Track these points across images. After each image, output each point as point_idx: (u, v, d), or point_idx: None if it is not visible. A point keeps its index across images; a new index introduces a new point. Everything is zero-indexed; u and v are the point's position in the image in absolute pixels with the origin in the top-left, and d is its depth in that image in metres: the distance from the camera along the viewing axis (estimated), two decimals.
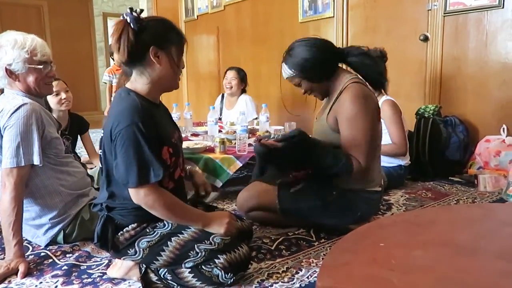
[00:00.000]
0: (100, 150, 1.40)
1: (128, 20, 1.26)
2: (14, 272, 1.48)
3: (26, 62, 1.60)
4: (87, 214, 1.73)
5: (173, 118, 2.95)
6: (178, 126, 2.85)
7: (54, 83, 2.34)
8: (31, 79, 1.63)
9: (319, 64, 1.67)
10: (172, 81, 1.39)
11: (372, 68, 1.72)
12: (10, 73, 1.60)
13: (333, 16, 3.57)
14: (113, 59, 4.55)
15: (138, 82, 1.35)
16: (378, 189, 1.77)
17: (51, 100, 2.38)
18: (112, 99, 3.30)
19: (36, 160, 1.57)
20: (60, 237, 1.72)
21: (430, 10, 2.94)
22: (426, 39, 2.98)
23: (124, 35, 1.25)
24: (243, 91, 3.53)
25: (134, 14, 1.28)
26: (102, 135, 1.39)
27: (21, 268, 1.48)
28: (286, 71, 1.71)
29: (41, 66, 1.64)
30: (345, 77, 1.69)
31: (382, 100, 2.46)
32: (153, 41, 1.30)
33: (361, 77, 1.72)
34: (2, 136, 1.57)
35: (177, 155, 1.42)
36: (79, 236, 1.74)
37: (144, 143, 1.25)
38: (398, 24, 3.16)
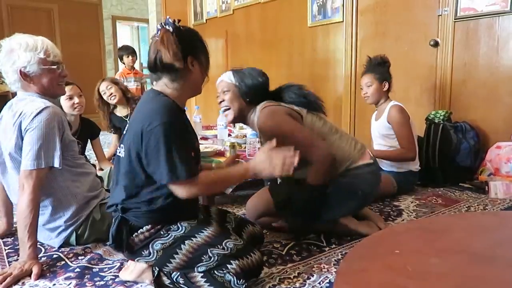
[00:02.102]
0: (120, 149, 1.41)
1: (171, 30, 1.32)
2: (28, 274, 1.50)
3: (41, 64, 1.62)
4: (98, 214, 1.75)
5: None
6: None
7: (68, 87, 2.38)
8: (45, 80, 1.65)
9: (259, 87, 1.79)
10: (200, 87, 1.47)
11: (296, 96, 1.81)
12: (24, 76, 1.62)
13: (343, 21, 3.58)
14: (123, 63, 4.57)
15: (169, 87, 1.38)
16: (368, 162, 1.77)
17: (64, 103, 2.41)
18: None
19: (57, 163, 1.59)
20: (73, 239, 1.74)
21: (441, 15, 2.93)
22: (436, 44, 2.97)
23: (171, 42, 1.31)
24: None
25: (176, 23, 1.34)
26: (125, 134, 1.40)
27: (35, 270, 1.49)
28: (229, 78, 1.80)
29: (55, 67, 1.66)
30: (261, 105, 1.78)
31: (389, 105, 2.46)
32: (190, 50, 1.37)
33: (273, 101, 1.79)
34: (22, 138, 1.58)
35: (197, 161, 1.46)
36: (90, 237, 1.75)
37: (176, 141, 1.28)
38: (408, 29, 3.15)
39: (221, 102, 1.82)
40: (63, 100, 2.39)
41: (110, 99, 2.97)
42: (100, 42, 7.91)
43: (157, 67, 1.35)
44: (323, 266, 1.56)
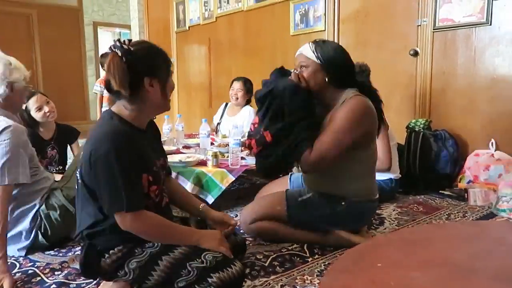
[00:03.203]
0: (78, 173, 1.35)
1: (120, 54, 1.25)
2: None
3: (24, 82, 1.72)
4: (49, 201, 1.82)
5: (165, 130, 2.96)
6: (170, 138, 2.84)
7: (34, 98, 2.40)
8: (21, 97, 1.76)
9: (345, 70, 1.69)
10: (165, 104, 1.40)
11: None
12: (11, 91, 1.67)
13: (324, 30, 3.61)
14: (104, 69, 4.51)
15: (127, 108, 1.32)
16: (377, 197, 1.84)
17: (36, 115, 2.40)
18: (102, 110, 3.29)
19: (24, 179, 1.63)
20: (41, 238, 1.79)
21: (420, 25, 2.99)
22: (416, 54, 3.03)
23: (121, 70, 1.24)
24: (248, 101, 3.54)
25: (125, 46, 1.26)
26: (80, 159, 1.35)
27: (6, 284, 1.45)
28: (310, 52, 1.67)
29: (30, 86, 1.80)
30: (349, 91, 1.69)
31: None
32: (147, 71, 1.30)
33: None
34: None
35: (158, 183, 1.40)
36: (55, 232, 1.81)
37: (121, 171, 1.22)
38: (388, 38, 3.21)
39: (306, 84, 1.70)
40: (34, 112, 2.39)
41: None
42: (81, 48, 7.78)
43: (111, 91, 1.30)
44: (306, 278, 1.55)
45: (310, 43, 1.71)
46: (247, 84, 3.46)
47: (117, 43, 1.26)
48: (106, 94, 4.43)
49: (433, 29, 2.93)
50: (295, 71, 1.72)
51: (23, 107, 2.36)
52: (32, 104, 2.39)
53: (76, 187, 1.38)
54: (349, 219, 1.78)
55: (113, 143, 1.23)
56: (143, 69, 1.29)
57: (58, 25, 7.38)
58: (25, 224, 1.77)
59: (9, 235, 1.70)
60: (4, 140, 1.58)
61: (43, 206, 1.81)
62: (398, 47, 3.14)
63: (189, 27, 5.25)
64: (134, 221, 1.26)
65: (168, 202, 1.48)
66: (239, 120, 3.27)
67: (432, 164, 2.72)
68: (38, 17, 7.17)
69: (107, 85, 1.30)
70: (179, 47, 5.51)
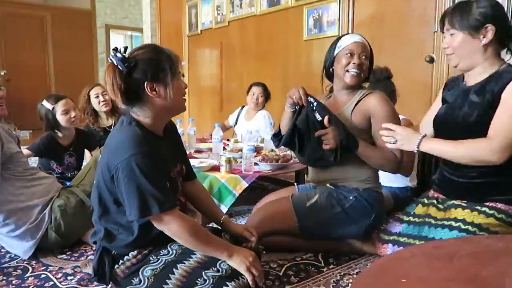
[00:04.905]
0: (96, 179, 1.36)
1: (115, 63, 1.24)
2: None
3: None
4: (60, 201, 1.86)
5: None
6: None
7: (62, 102, 2.36)
8: None
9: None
10: (177, 106, 1.36)
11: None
12: None
13: (338, 35, 3.58)
14: None
15: (140, 115, 1.32)
16: (380, 190, 1.82)
17: (61, 118, 2.37)
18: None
19: None
20: (54, 235, 1.79)
21: (436, 32, 2.95)
22: (432, 60, 2.98)
23: (115, 79, 1.23)
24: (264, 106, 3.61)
25: (119, 55, 1.24)
26: (99, 162, 1.36)
27: None
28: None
29: None
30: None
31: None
32: (146, 76, 1.27)
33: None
34: None
35: (175, 190, 1.39)
36: (69, 225, 1.83)
37: (147, 173, 1.21)
38: (403, 45, 3.16)
39: (359, 64, 1.82)
40: (59, 115, 2.36)
41: (102, 106, 2.93)
42: (93, 50, 7.86)
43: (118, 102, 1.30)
44: None
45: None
46: (266, 90, 3.52)
47: (113, 52, 1.25)
48: None
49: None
50: None
51: (50, 108, 2.35)
52: (59, 107, 2.36)
53: (94, 192, 1.37)
54: (359, 213, 1.72)
55: (135, 148, 1.22)
56: (142, 75, 1.27)
57: (71, 28, 7.46)
58: (27, 224, 1.77)
59: (12, 235, 1.76)
60: None
61: (56, 202, 1.84)
62: (414, 53, 3.09)
63: (201, 31, 5.26)
64: (172, 220, 1.25)
65: (185, 211, 1.46)
66: (254, 125, 3.27)
67: None
68: (52, 20, 7.26)
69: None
70: (191, 50, 5.52)
